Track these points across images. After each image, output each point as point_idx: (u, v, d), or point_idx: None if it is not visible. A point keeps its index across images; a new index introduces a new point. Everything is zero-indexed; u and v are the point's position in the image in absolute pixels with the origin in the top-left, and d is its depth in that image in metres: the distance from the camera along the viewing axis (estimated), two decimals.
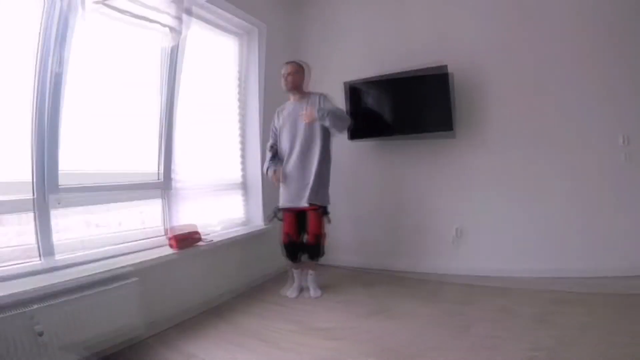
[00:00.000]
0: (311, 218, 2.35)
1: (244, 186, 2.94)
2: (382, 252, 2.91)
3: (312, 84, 3.21)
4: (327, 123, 2.26)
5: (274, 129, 2.51)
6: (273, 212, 2.49)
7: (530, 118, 2.50)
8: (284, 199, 2.42)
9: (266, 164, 2.46)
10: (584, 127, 2.38)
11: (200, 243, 2.20)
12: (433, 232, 2.79)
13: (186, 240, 2.12)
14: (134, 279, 1.74)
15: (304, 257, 2.46)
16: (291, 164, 2.37)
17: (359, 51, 2.96)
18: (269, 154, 2.48)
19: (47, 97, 1.60)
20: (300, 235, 2.39)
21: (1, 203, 1.50)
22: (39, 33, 1.57)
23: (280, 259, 3.03)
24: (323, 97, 2.39)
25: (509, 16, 2.54)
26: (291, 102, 2.47)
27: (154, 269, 1.91)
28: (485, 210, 2.64)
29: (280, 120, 2.46)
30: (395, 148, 2.91)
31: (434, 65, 2.63)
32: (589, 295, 2.03)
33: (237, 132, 2.90)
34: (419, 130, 2.72)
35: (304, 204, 2.32)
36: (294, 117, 2.38)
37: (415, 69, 2.70)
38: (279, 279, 2.82)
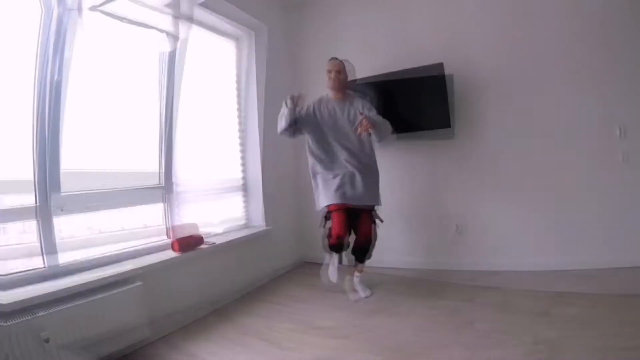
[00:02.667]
0: (365, 219, 2.23)
1: (245, 188, 2.96)
2: (382, 250, 2.91)
3: (313, 85, 3.23)
4: (375, 135, 2.16)
5: (305, 112, 2.29)
6: (324, 217, 2.30)
7: (528, 116, 2.50)
8: (336, 197, 2.20)
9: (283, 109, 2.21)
10: (581, 124, 2.37)
11: (202, 246, 2.22)
12: (432, 229, 2.80)
13: (188, 243, 2.14)
14: (137, 282, 1.76)
15: (347, 259, 2.38)
16: (341, 164, 2.25)
17: (357, 52, 2.96)
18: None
19: (48, 101, 1.62)
20: (348, 235, 2.24)
21: (4, 210, 1.52)
22: (38, 37, 1.58)
23: (281, 260, 3.06)
24: (366, 104, 2.28)
25: (506, 16, 2.54)
26: (331, 100, 2.33)
27: (157, 271, 1.93)
28: (485, 207, 2.65)
29: (318, 115, 2.31)
30: (395, 147, 2.91)
31: (432, 65, 2.63)
32: (590, 290, 2.01)
33: (238, 133, 2.92)
34: (418, 129, 2.73)
35: (367, 202, 2.22)
36: (337, 117, 2.27)
37: (413, 69, 2.70)
38: (280, 279, 2.84)
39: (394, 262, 2.90)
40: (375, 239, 2.28)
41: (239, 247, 2.57)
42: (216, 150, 2.70)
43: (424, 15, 2.80)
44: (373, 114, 2.23)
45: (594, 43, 2.32)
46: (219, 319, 2.14)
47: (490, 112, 2.62)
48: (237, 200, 2.91)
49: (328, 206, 2.24)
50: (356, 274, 2.38)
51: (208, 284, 2.28)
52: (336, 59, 2.33)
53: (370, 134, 2.16)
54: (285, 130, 2.23)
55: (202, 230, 2.33)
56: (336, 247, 2.21)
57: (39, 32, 1.58)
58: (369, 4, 3.01)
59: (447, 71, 2.59)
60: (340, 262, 2.36)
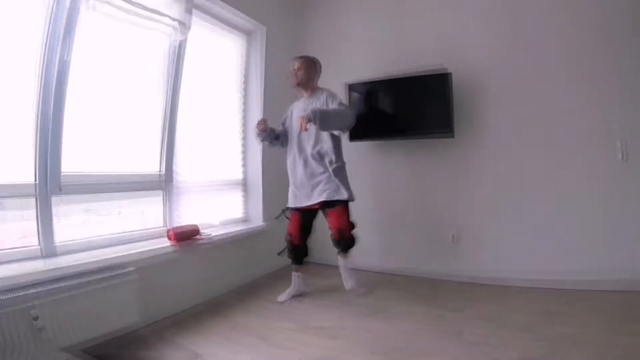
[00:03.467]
0: (332, 214, 2.24)
1: (245, 184, 2.96)
2: (379, 252, 2.93)
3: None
4: (321, 127, 2.07)
5: (283, 121, 2.45)
6: (282, 211, 2.45)
7: (528, 120, 2.50)
8: (293, 198, 2.34)
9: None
10: (581, 129, 2.37)
11: (198, 237, 2.22)
12: (431, 234, 2.81)
13: (185, 234, 2.14)
14: (130, 268, 1.75)
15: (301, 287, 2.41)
16: (302, 162, 2.28)
17: (359, 53, 2.98)
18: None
19: (51, 97, 1.62)
20: (304, 238, 2.33)
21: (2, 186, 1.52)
22: (50, 18, 1.59)
23: (277, 257, 3.05)
24: (329, 94, 2.27)
25: (508, 19, 2.55)
26: (302, 99, 2.38)
27: (152, 259, 1.93)
28: (483, 213, 2.64)
29: (291, 117, 2.39)
30: (395, 149, 2.92)
31: (434, 67, 2.65)
32: (582, 307, 2.03)
33: (239, 130, 2.93)
34: (419, 132, 2.74)
35: (318, 199, 2.21)
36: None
37: (415, 71, 2.71)
38: (278, 277, 2.84)
39: (388, 267, 2.91)
40: (352, 228, 2.28)
41: (236, 243, 2.58)
42: (217, 145, 2.70)
43: (427, 17, 2.82)
44: (335, 104, 2.19)
45: (595, 45, 2.32)
46: (211, 312, 2.14)
47: (492, 116, 2.62)
48: (237, 196, 2.91)
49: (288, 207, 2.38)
50: (340, 258, 2.37)
51: (203, 276, 2.29)
52: (302, 56, 2.37)
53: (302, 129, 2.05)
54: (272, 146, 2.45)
55: (201, 227, 2.32)
56: (288, 246, 2.34)
57: (51, 13, 1.59)
58: (372, 6, 3.03)
59: (449, 73, 2.60)
60: (296, 291, 2.37)
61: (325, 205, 2.23)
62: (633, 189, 2.26)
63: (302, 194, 2.29)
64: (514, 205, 2.56)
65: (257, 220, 2.90)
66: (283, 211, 2.45)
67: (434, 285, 2.58)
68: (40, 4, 1.58)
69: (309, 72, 2.31)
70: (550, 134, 2.45)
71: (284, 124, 2.45)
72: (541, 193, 2.48)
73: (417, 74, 2.69)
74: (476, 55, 2.64)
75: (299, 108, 2.33)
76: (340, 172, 2.27)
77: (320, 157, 2.25)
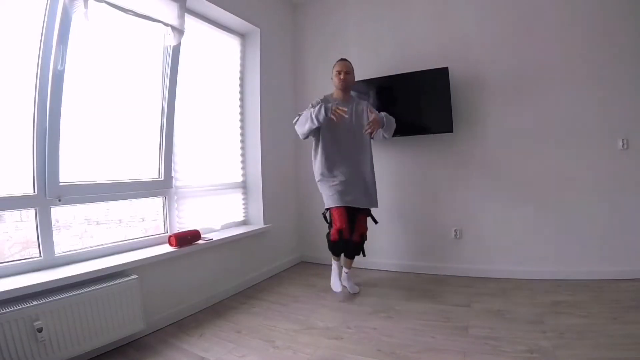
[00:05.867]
0: (362, 219, 2.35)
1: (245, 187, 2.95)
2: (382, 250, 2.92)
3: (311, 85, 3.25)
4: (386, 134, 2.31)
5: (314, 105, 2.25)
6: (323, 215, 2.42)
7: (529, 119, 2.51)
8: (343, 198, 2.23)
9: (315, 109, 2.15)
10: (582, 127, 2.38)
11: (199, 242, 2.21)
12: (433, 230, 2.81)
13: (185, 238, 2.14)
14: (133, 275, 1.76)
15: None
16: (347, 165, 2.29)
17: (357, 53, 2.97)
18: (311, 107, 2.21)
19: (46, 107, 1.60)
20: (351, 232, 2.28)
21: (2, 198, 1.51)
22: (43, 26, 1.58)
23: (279, 259, 3.07)
24: (369, 106, 2.37)
25: (507, 18, 2.55)
26: (338, 100, 2.33)
27: (154, 264, 1.93)
28: (485, 211, 2.65)
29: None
30: (395, 146, 2.91)
31: (433, 67, 2.65)
32: (587, 297, 2.04)
33: (238, 132, 2.92)
34: (419, 131, 2.74)
35: (368, 205, 2.32)
36: (347, 117, 2.23)
37: (414, 70, 2.71)
38: (280, 279, 2.84)
39: (392, 264, 2.91)
40: (365, 239, 2.38)
41: (237, 245, 2.57)
42: (217, 147, 2.68)
43: (424, 14, 2.81)
44: (378, 114, 2.28)
45: (595, 44, 2.33)
46: (213, 315, 2.14)
47: (493, 115, 2.62)
48: (237, 198, 2.90)
49: (330, 208, 2.30)
50: (345, 270, 2.46)
51: (204, 280, 2.29)
52: (346, 60, 2.38)
53: (373, 133, 2.25)
54: (307, 134, 2.26)
55: (201, 230, 2.33)
56: (337, 243, 2.24)
57: (44, 22, 1.58)
58: (371, 5, 3.02)
59: (449, 72, 2.60)
60: (341, 272, 2.46)
61: (360, 210, 2.31)
62: (633, 181, 2.28)
63: (353, 194, 2.25)
64: (515, 198, 2.56)
65: (258, 222, 2.90)
66: (325, 215, 2.42)
67: (438, 281, 2.59)
68: (33, 14, 1.57)
69: (351, 77, 2.37)
70: (551, 135, 2.46)
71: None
72: (542, 185, 2.49)
73: (417, 74, 2.69)
74: (477, 54, 2.63)
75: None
76: (375, 180, 2.40)
77: (369, 162, 2.36)
